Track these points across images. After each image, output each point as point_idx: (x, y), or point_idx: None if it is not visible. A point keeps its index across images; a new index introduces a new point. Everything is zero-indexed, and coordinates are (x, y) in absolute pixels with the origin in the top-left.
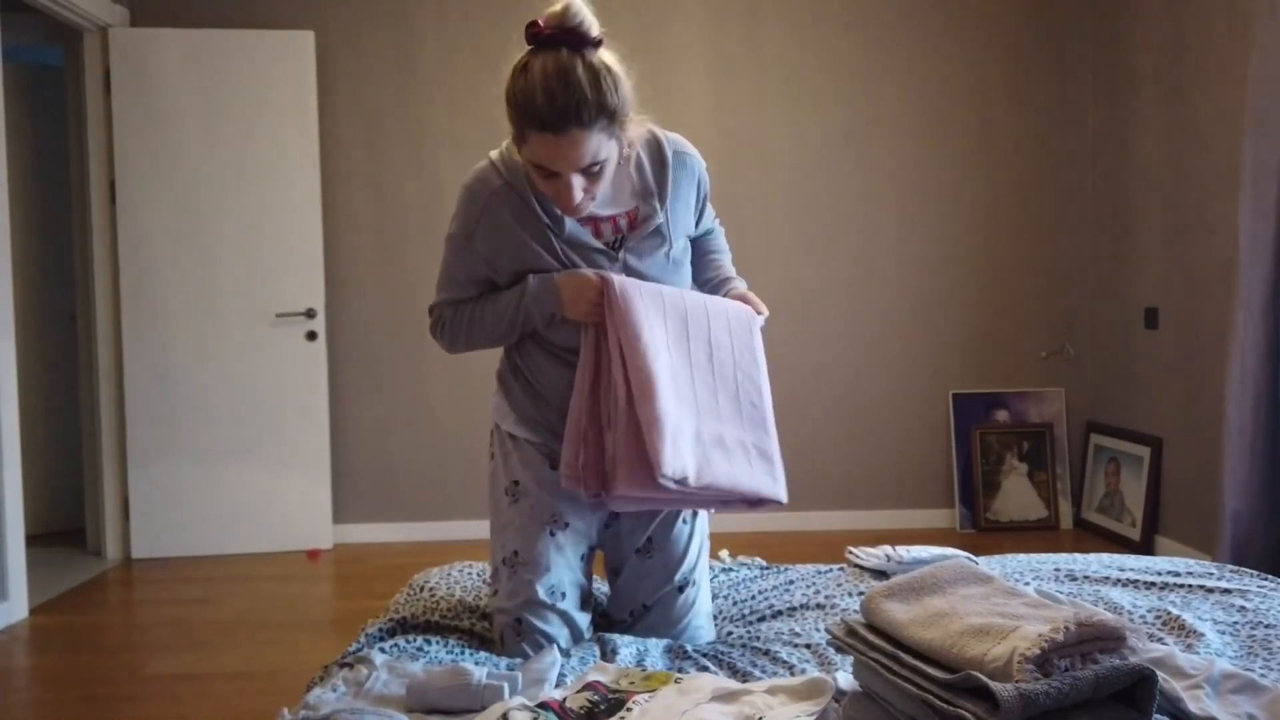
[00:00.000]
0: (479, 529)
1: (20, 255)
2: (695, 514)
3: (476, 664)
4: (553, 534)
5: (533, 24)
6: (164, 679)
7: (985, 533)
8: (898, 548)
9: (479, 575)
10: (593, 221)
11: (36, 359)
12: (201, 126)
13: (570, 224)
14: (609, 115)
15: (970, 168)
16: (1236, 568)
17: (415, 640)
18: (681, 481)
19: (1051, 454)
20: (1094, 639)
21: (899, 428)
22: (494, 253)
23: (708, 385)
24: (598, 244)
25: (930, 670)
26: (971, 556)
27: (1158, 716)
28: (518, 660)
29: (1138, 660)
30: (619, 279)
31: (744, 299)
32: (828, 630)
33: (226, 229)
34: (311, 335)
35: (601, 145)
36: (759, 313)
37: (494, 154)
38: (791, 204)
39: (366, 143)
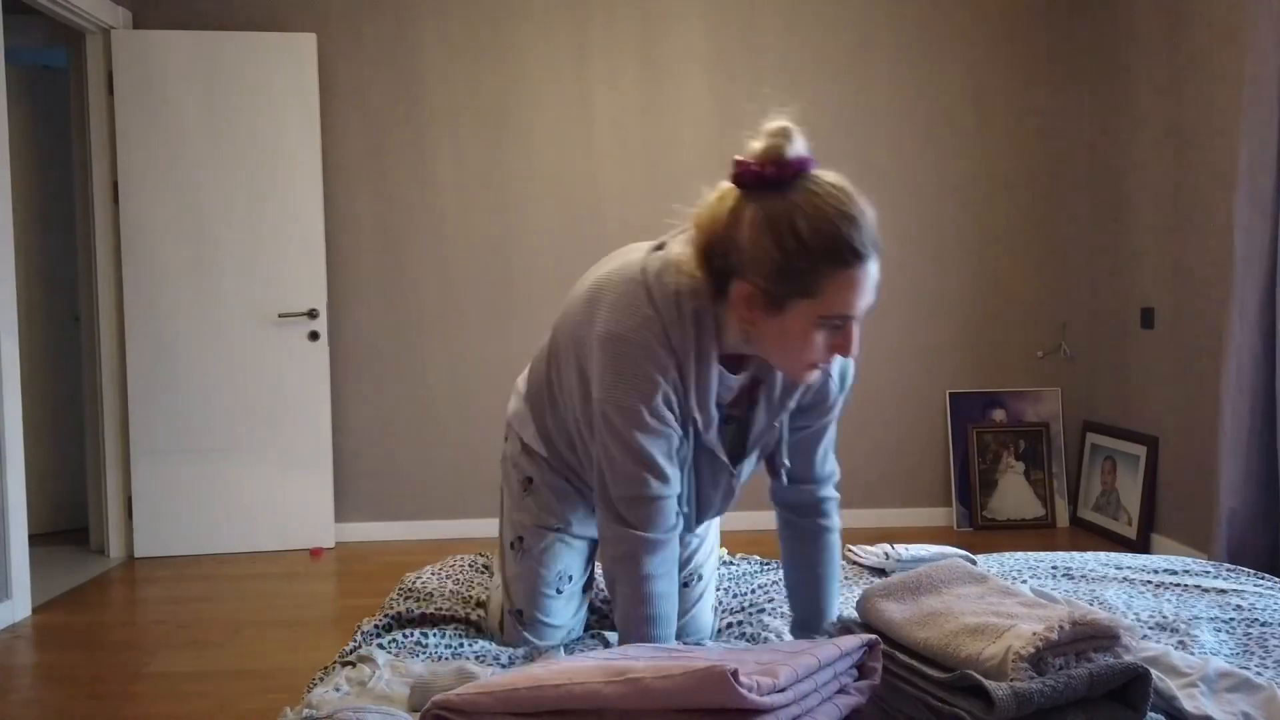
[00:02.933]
0: (480, 527)
1: (24, 256)
2: None
3: (477, 656)
4: (560, 534)
5: (744, 165)
6: (166, 677)
7: (982, 531)
8: (897, 546)
9: (469, 566)
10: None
11: (40, 358)
12: (204, 128)
13: (715, 421)
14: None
15: (967, 167)
16: (1233, 566)
17: (413, 634)
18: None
19: (1048, 453)
20: (1089, 637)
21: (896, 427)
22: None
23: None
24: (724, 458)
25: (926, 669)
26: (969, 555)
27: (1153, 715)
28: (520, 653)
29: (1132, 659)
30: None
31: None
32: (825, 629)
33: (229, 230)
34: (314, 335)
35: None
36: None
37: (646, 289)
38: None
39: (368, 144)
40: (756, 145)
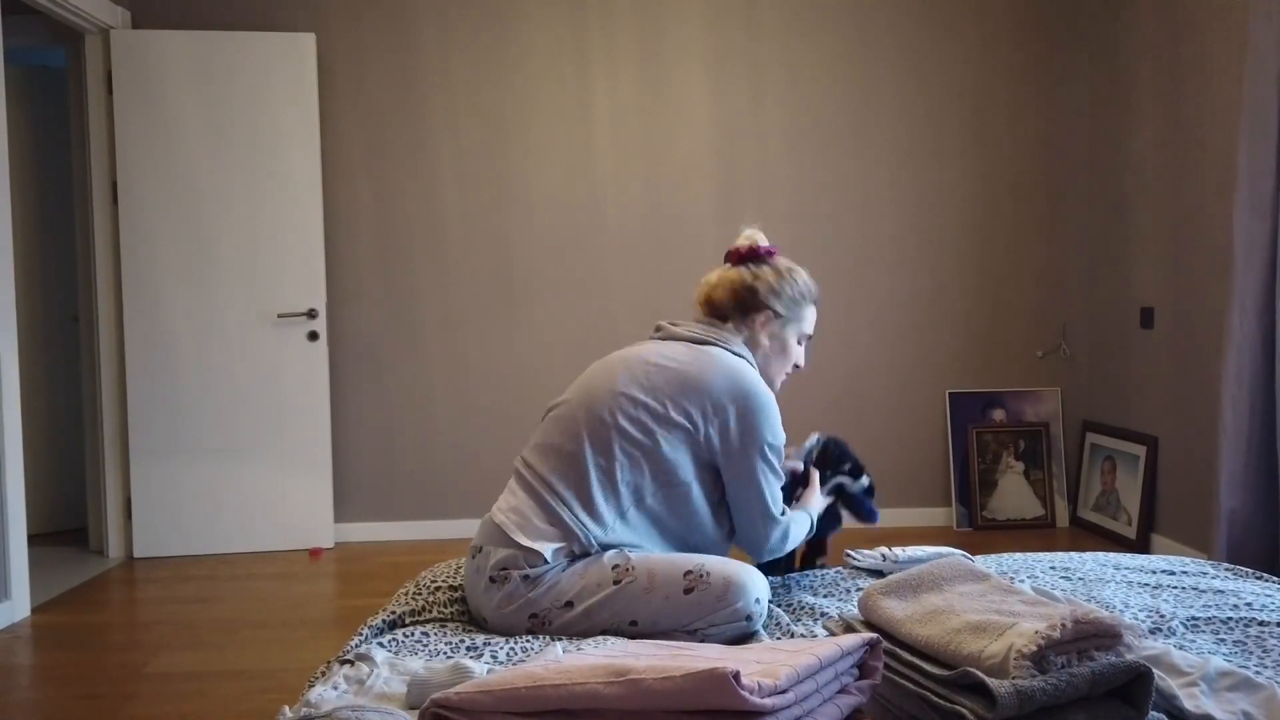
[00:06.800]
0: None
1: (23, 256)
2: None
3: (475, 654)
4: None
5: (736, 250)
6: (165, 678)
7: (982, 531)
8: (894, 548)
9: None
10: None
11: (39, 359)
12: (203, 128)
13: None
14: None
15: (967, 168)
16: (1232, 566)
17: (414, 633)
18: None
19: (1048, 453)
20: (1090, 636)
21: (896, 427)
22: None
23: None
24: None
25: (927, 667)
26: (968, 555)
27: (1154, 714)
28: (519, 652)
29: (1134, 657)
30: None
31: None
32: (825, 628)
33: (228, 230)
34: (313, 335)
35: None
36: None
37: (749, 359)
38: (789, 204)
39: (367, 144)
40: (743, 242)
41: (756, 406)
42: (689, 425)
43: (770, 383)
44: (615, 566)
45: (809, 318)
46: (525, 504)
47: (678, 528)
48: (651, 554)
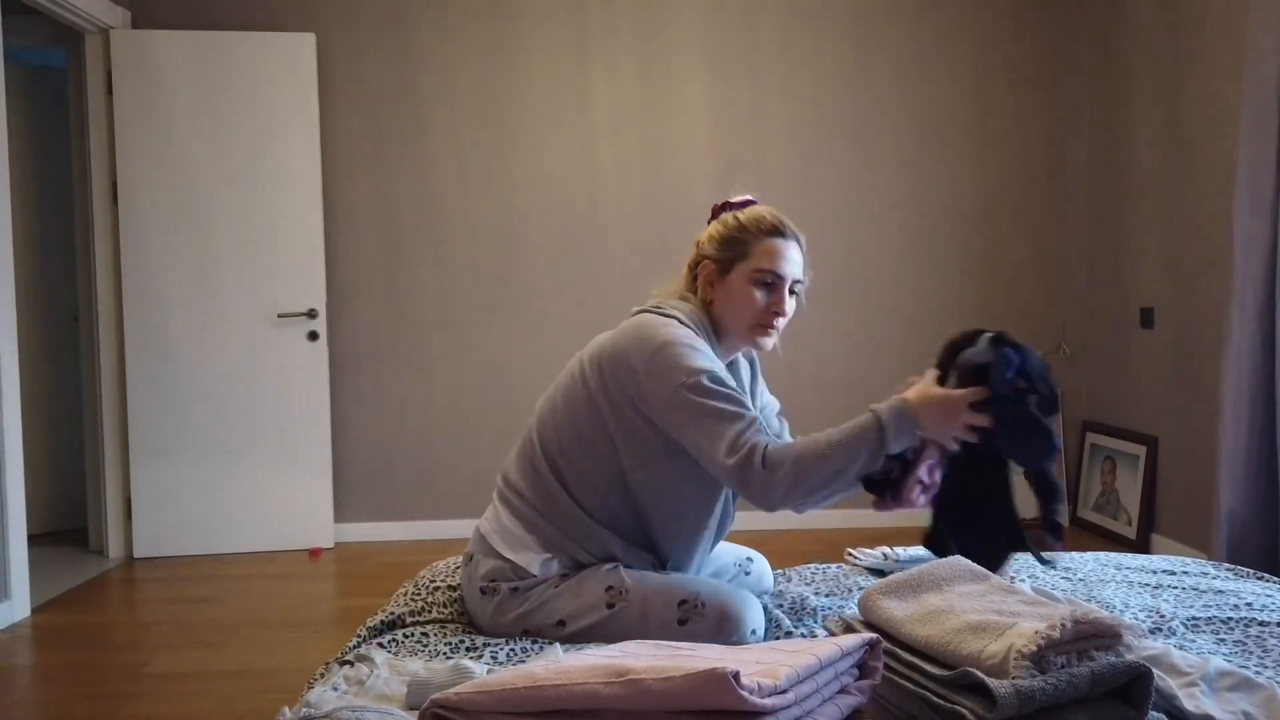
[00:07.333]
0: None
1: (23, 256)
2: None
3: (475, 655)
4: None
5: (722, 204)
6: (165, 677)
7: None
8: (895, 547)
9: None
10: None
11: (39, 359)
12: (203, 128)
13: None
14: (804, 251)
15: (967, 168)
16: (1233, 566)
17: (414, 633)
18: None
19: None
20: (1090, 636)
21: None
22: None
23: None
24: None
25: (927, 667)
26: None
27: (1154, 714)
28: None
29: (1134, 658)
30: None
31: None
32: (825, 628)
33: (228, 230)
34: (313, 335)
35: (803, 271)
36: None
37: (678, 316)
38: (789, 203)
39: (367, 144)
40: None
41: (653, 352)
42: (614, 398)
43: (736, 339)
44: (609, 588)
45: (759, 251)
46: (503, 513)
47: (670, 507)
48: (646, 576)
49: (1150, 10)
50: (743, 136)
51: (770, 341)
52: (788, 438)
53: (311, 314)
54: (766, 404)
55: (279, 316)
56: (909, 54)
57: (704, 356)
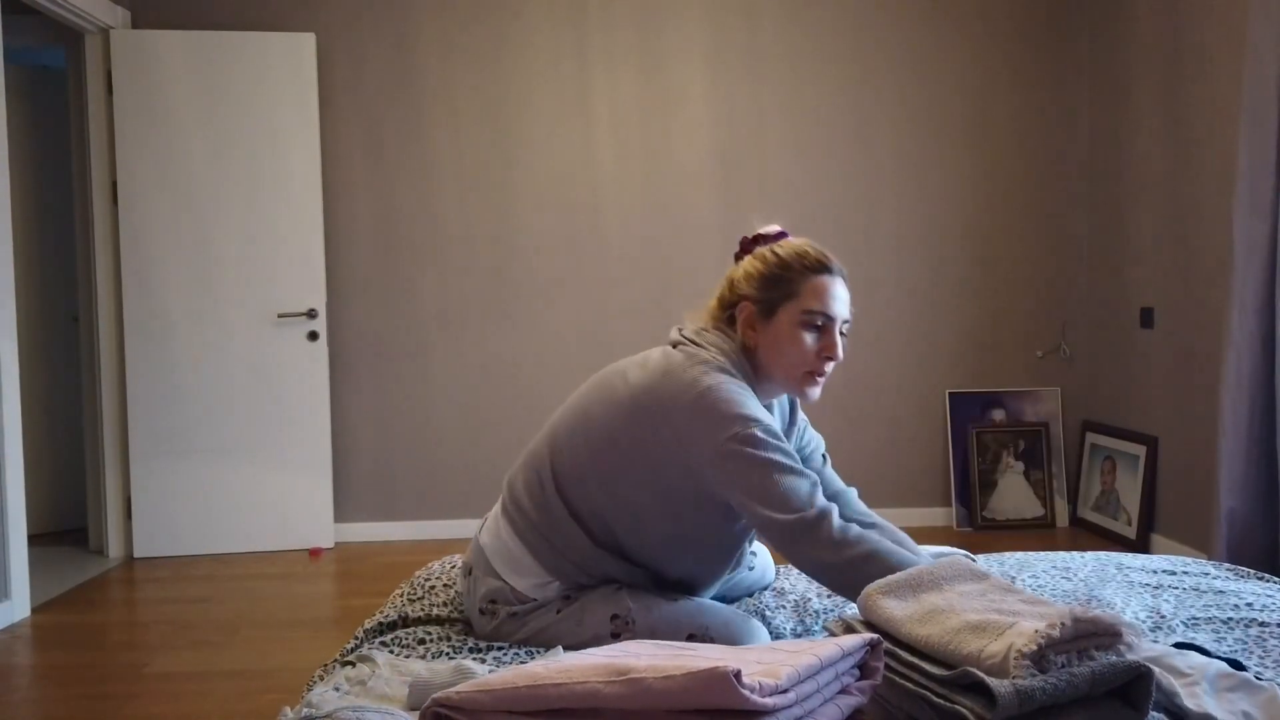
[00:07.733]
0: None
1: (23, 256)
2: None
3: (477, 654)
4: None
5: (753, 238)
6: (166, 677)
7: (982, 531)
8: None
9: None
10: None
11: (39, 359)
12: (203, 128)
13: None
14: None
15: (967, 167)
16: (1233, 566)
17: (415, 632)
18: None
19: (1047, 453)
20: (1091, 635)
21: (896, 427)
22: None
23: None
24: None
25: (927, 666)
26: (970, 555)
27: (1154, 714)
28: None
29: (1134, 657)
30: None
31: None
32: (825, 628)
33: (228, 230)
34: (313, 335)
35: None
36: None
37: (718, 358)
38: (789, 203)
39: (367, 144)
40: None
41: (697, 397)
42: (645, 441)
43: (779, 386)
44: (614, 616)
45: (807, 291)
46: (505, 529)
47: (692, 559)
48: (653, 605)
49: (1150, 10)
50: (743, 136)
51: (818, 391)
52: (834, 480)
53: (311, 314)
54: (810, 441)
55: (279, 316)
56: (909, 53)
57: (754, 403)
